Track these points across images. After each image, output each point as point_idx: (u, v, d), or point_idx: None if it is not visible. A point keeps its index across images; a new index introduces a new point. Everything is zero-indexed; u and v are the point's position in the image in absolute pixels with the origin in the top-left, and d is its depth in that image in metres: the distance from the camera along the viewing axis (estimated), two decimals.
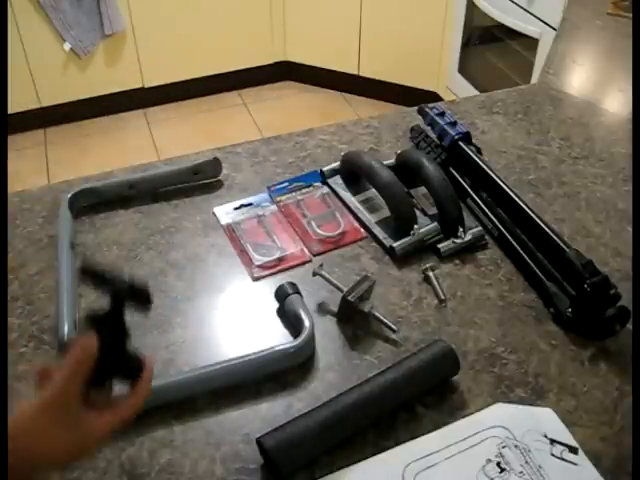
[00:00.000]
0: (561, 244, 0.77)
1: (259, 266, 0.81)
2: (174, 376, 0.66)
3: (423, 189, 0.90)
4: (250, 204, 0.91)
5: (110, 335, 0.52)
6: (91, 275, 0.53)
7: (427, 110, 1.01)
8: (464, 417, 0.64)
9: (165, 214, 0.89)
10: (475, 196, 0.89)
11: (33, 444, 0.48)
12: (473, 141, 0.96)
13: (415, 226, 0.82)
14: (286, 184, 0.94)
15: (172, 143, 2.64)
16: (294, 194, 0.93)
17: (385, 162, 0.91)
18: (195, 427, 0.63)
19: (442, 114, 0.99)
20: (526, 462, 0.60)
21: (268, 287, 0.77)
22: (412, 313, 0.75)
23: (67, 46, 2.64)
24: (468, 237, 0.83)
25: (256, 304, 0.77)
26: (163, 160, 1.02)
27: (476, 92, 2.49)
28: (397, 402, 0.64)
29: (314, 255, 0.83)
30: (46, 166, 2.56)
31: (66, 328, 0.69)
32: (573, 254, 0.74)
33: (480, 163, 0.91)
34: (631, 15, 1.52)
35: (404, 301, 0.77)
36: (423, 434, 0.62)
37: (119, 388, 0.53)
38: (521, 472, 0.59)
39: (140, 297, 0.54)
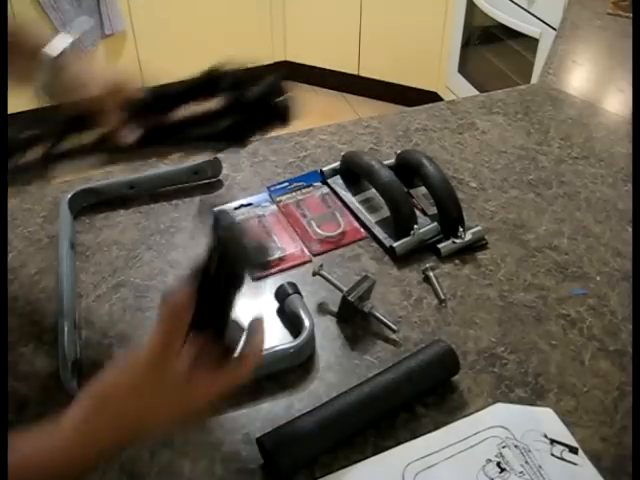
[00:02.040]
0: None
1: None
2: None
3: (423, 189, 0.90)
4: (250, 204, 0.91)
5: (211, 296, 0.49)
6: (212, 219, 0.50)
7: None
8: (464, 417, 0.64)
9: (165, 214, 0.89)
10: None
11: (134, 402, 0.47)
12: (473, 141, 0.96)
13: (415, 226, 0.82)
14: (286, 184, 0.94)
15: None
16: (294, 194, 0.93)
17: (385, 162, 0.91)
18: (195, 427, 0.63)
19: None
20: (526, 462, 0.60)
21: (268, 287, 0.77)
22: (412, 313, 0.75)
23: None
24: (468, 237, 0.83)
25: (256, 304, 0.77)
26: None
27: (476, 92, 2.49)
28: (397, 402, 0.64)
29: (314, 255, 0.83)
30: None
31: (66, 329, 0.69)
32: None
33: None
34: (631, 15, 1.53)
35: (404, 301, 0.77)
36: (423, 434, 0.62)
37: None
38: (521, 472, 0.59)
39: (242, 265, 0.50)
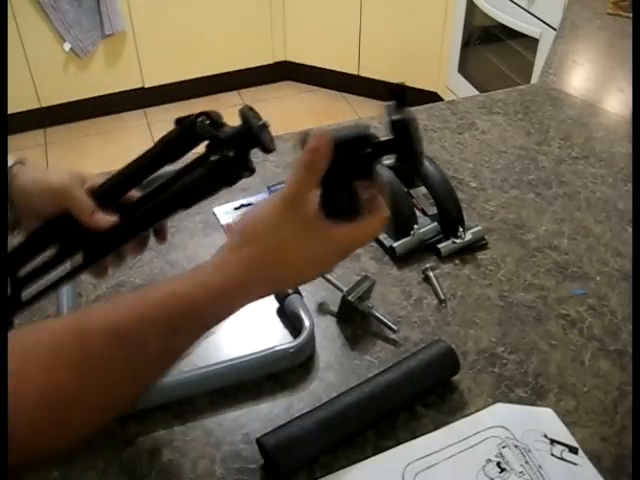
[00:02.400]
0: None
1: None
2: (174, 376, 0.66)
3: (423, 189, 0.90)
4: (250, 204, 0.91)
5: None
6: None
7: None
8: (464, 417, 0.64)
9: None
10: None
11: (273, 236, 0.48)
12: (473, 141, 0.96)
13: (415, 226, 0.82)
14: None
15: None
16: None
17: (385, 162, 0.91)
18: (195, 427, 0.63)
19: None
20: (526, 462, 0.60)
21: None
22: (412, 313, 0.75)
23: (67, 46, 2.64)
24: (468, 237, 0.83)
25: (256, 304, 0.76)
26: None
27: (476, 92, 2.49)
28: (397, 402, 0.64)
29: None
30: (46, 166, 2.56)
31: None
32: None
33: None
34: (631, 15, 1.53)
35: (404, 301, 0.77)
36: (423, 434, 0.62)
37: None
38: (521, 472, 0.59)
39: None
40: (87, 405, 0.44)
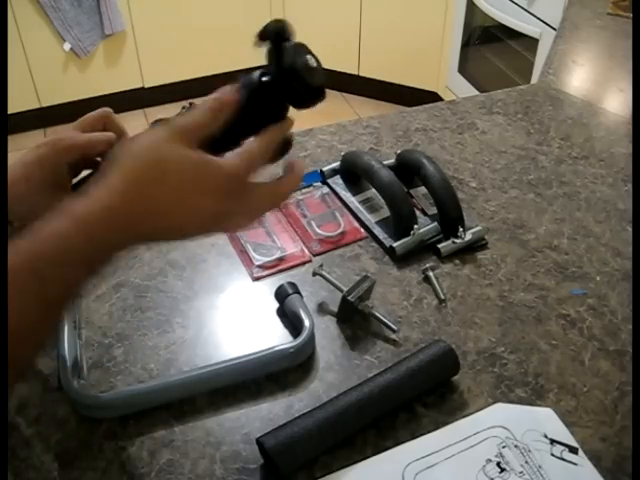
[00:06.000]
0: None
1: (259, 266, 0.81)
2: (174, 376, 0.66)
3: (423, 189, 0.90)
4: None
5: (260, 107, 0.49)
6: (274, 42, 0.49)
7: None
8: (464, 417, 0.64)
9: None
10: None
11: (146, 159, 0.45)
12: (473, 141, 0.97)
13: (415, 226, 0.82)
14: None
15: None
16: (294, 194, 0.93)
17: (385, 162, 0.91)
18: (195, 427, 0.63)
19: None
20: (526, 462, 0.60)
21: (268, 287, 0.77)
22: (412, 313, 0.75)
23: (67, 46, 2.64)
24: (468, 237, 0.83)
25: (256, 304, 0.77)
26: None
27: (476, 92, 2.49)
28: (397, 402, 0.64)
29: (314, 255, 0.83)
30: None
31: (66, 328, 0.69)
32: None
33: None
34: (631, 15, 1.53)
35: (404, 301, 0.77)
36: (423, 434, 0.62)
37: None
38: (521, 472, 0.59)
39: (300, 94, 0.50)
40: None
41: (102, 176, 0.45)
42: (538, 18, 2.18)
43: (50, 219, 0.43)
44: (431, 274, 0.79)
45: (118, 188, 0.44)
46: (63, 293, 0.44)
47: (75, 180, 0.59)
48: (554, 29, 2.03)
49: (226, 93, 0.48)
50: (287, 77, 0.50)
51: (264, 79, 0.50)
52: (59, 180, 0.57)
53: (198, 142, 0.47)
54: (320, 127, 1.07)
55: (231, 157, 0.48)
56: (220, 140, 0.49)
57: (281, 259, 0.82)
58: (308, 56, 0.52)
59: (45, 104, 2.76)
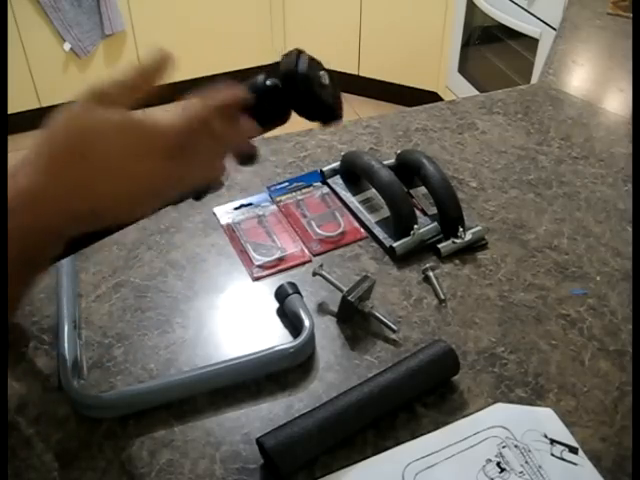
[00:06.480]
0: None
1: (259, 266, 0.81)
2: (174, 376, 0.66)
3: (423, 189, 0.90)
4: (250, 204, 0.91)
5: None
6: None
7: None
8: (464, 417, 0.64)
9: (165, 214, 0.89)
10: None
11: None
12: (473, 141, 0.97)
13: (415, 226, 0.82)
14: (286, 184, 0.94)
15: None
16: (294, 194, 0.93)
17: (385, 162, 0.91)
18: (195, 427, 0.63)
19: None
20: (526, 462, 0.60)
21: (268, 287, 0.78)
22: (412, 313, 0.75)
23: (67, 46, 2.64)
24: (468, 237, 0.83)
25: (256, 304, 0.77)
26: None
27: (476, 92, 2.49)
28: (397, 402, 0.64)
29: (314, 255, 0.83)
30: None
31: (66, 328, 0.69)
32: None
33: None
34: (631, 15, 1.53)
35: (404, 301, 0.77)
36: (423, 434, 0.62)
37: None
38: (521, 472, 0.59)
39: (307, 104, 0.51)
40: None
41: (27, 154, 0.42)
42: (538, 18, 2.18)
43: None
44: (431, 274, 0.79)
45: (39, 168, 0.40)
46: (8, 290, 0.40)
47: None
48: (554, 29, 2.03)
49: (233, 90, 0.48)
50: (295, 80, 0.51)
51: (269, 82, 0.52)
52: None
53: (128, 104, 0.44)
54: (320, 127, 1.07)
55: (169, 113, 0.46)
56: None
57: (281, 259, 0.82)
58: (322, 72, 0.54)
59: (45, 104, 2.76)
